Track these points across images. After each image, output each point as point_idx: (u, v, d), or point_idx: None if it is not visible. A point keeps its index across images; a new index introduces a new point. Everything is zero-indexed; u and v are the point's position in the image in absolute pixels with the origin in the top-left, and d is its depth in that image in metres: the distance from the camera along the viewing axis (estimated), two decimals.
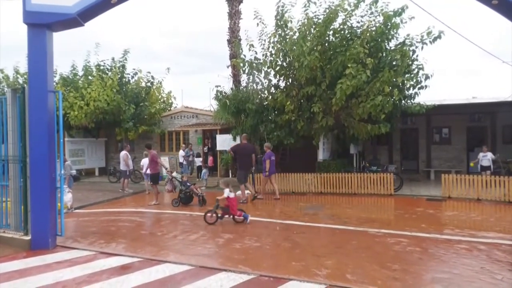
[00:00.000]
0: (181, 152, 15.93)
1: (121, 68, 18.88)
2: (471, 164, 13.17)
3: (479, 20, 43.94)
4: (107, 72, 18.56)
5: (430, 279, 4.60)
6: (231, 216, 8.09)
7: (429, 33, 11.46)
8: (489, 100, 14.48)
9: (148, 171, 11.78)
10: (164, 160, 17.25)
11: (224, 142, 15.42)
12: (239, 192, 12.70)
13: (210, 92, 45.40)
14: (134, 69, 19.65)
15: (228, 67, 15.79)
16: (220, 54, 62.62)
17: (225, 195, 7.98)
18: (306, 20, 12.21)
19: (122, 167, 13.91)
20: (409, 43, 11.92)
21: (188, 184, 10.70)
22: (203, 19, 60.57)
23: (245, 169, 11.05)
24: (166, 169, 11.89)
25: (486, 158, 12.54)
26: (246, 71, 13.38)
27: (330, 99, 11.62)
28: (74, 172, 11.26)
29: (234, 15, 15.71)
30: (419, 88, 12.47)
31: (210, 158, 16.64)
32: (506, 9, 5.30)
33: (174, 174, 11.09)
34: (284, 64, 12.88)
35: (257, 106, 13.59)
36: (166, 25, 63.33)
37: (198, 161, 16.52)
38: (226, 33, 15.83)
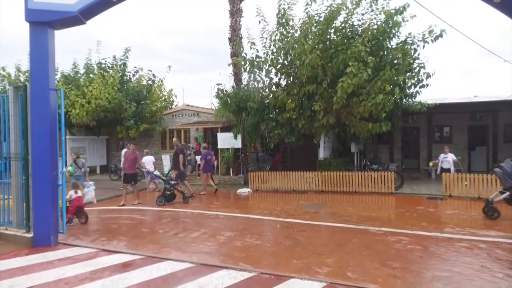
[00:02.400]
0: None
1: (122, 66, 18.90)
2: (430, 164, 12.59)
3: (479, 19, 43.87)
4: (108, 70, 18.58)
5: (431, 277, 4.61)
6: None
7: (430, 32, 11.43)
8: (491, 99, 14.46)
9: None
10: (165, 158, 17.29)
11: (225, 140, 15.44)
12: (240, 190, 12.76)
13: (211, 90, 45.46)
14: (135, 67, 19.68)
15: (229, 65, 15.79)
16: (221, 52, 62.62)
17: (67, 196, 8.01)
18: (307, 18, 12.20)
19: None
20: (411, 42, 11.89)
21: (172, 182, 10.73)
22: (204, 17, 60.49)
23: (179, 167, 11.56)
24: (145, 169, 11.54)
25: (446, 160, 11.97)
26: (247, 69, 13.39)
27: (331, 98, 11.61)
28: (88, 169, 11.38)
29: (235, 13, 15.69)
30: (420, 87, 12.46)
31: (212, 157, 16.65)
32: (508, 8, 5.28)
33: (157, 172, 10.96)
34: (285, 62, 12.88)
35: (258, 104, 13.60)
36: (167, 23, 63.28)
37: (199, 159, 16.53)
38: (227, 31, 15.82)
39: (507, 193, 7.69)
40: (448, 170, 11.76)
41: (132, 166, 10.93)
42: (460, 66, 46.08)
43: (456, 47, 41.25)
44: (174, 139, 12.64)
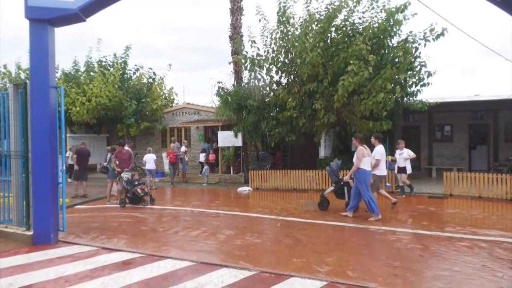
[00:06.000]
0: (183, 148, 15.94)
1: (122, 64, 18.88)
2: (388, 158, 11.18)
3: (480, 17, 43.75)
4: (108, 68, 18.56)
5: (431, 277, 4.60)
6: None
7: (432, 30, 11.40)
8: (492, 97, 14.42)
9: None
10: (166, 157, 17.25)
11: (226, 138, 15.44)
12: (240, 189, 12.78)
13: (211, 89, 45.48)
14: (135, 65, 19.67)
15: (230, 63, 15.78)
16: (222, 50, 62.53)
17: None
18: (308, 16, 12.17)
19: None
20: (412, 40, 11.85)
21: (136, 182, 10.22)
22: (205, 15, 60.44)
23: (84, 169, 12.00)
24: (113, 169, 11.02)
25: (401, 156, 10.68)
26: (248, 67, 13.37)
27: (332, 96, 11.59)
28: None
29: (236, 11, 15.66)
30: (421, 86, 12.43)
31: (211, 155, 16.65)
32: (511, 6, 5.24)
33: (124, 175, 10.47)
34: (286, 60, 12.85)
35: (258, 102, 13.58)
36: (167, 21, 63.21)
37: (202, 157, 16.52)
38: (228, 29, 15.79)
39: (333, 187, 9.04)
40: (403, 170, 10.71)
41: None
42: (460, 65, 46.07)
43: (456, 45, 41.20)
44: (82, 141, 13.51)
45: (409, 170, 10.80)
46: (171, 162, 14.65)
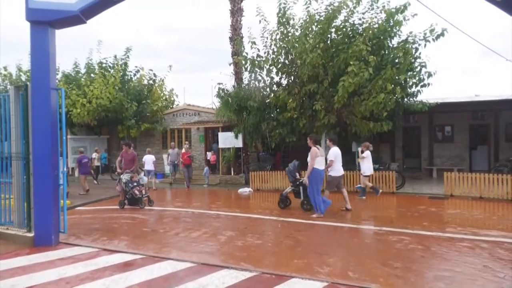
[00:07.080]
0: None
1: (123, 65, 18.92)
2: (358, 160, 11.31)
3: (480, 17, 43.75)
4: (109, 69, 18.60)
5: (432, 277, 4.60)
6: None
7: (432, 31, 11.40)
8: (492, 98, 14.42)
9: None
10: (166, 158, 17.27)
11: (226, 140, 15.44)
12: (241, 190, 12.78)
13: (212, 90, 45.49)
14: (136, 66, 19.73)
15: (230, 64, 15.81)
16: (222, 50, 62.57)
17: None
18: (308, 17, 12.18)
19: None
20: (412, 41, 11.85)
21: (135, 184, 10.16)
22: (205, 16, 60.53)
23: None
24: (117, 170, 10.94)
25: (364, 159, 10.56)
26: (248, 68, 13.37)
27: (332, 97, 11.59)
28: None
29: (236, 13, 15.69)
30: (421, 86, 12.42)
31: (212, 156, 16.66)
32: (511, 6, 5.23)
33: (123, 177, 10.38)
34: (286, 61, 12.86)
35: (259, 103, 13.58)
36: (167, 22, 63.31)
37: (209, 155, 16.57)
38: (228, 30, 15.82)
39: (292, 187, 9.42)
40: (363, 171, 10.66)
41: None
42: (460, 65, 46.09)
43: (456, 46, 41.17)
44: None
45: (363, 170, 10.75)
46: (185, 163, 14.45)
